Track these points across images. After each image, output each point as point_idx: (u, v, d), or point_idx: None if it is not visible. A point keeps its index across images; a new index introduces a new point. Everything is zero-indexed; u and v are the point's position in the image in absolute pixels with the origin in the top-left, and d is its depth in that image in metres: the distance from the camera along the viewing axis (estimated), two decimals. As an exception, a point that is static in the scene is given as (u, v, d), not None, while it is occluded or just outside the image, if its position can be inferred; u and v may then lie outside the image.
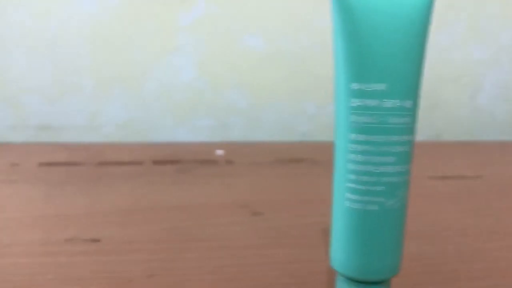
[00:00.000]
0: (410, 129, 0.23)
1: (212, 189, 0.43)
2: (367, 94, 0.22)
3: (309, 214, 0.39)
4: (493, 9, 0.61)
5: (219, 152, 0.55)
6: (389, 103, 0.22)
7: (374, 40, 0.22)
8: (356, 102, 0.22)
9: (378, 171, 0.22)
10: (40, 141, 0.57)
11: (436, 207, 0.41)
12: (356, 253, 0.23)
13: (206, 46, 0.57)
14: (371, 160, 0.22)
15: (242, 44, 0.57)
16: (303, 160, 0.53)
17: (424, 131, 0.59)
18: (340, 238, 0.24)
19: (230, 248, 0.33)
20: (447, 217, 0.39)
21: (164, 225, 0.36)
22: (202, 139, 0.60)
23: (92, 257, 0.31)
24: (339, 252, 0.24)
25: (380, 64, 0.22)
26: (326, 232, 0.33)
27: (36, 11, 0.54)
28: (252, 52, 0.58)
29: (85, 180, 0.44)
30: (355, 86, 0.22)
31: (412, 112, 0.23)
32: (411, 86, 0.23)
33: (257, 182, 0.46)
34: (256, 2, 0.56)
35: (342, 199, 0.23)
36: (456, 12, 0.60)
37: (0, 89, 0.56)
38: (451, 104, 0.64)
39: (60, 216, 0.37)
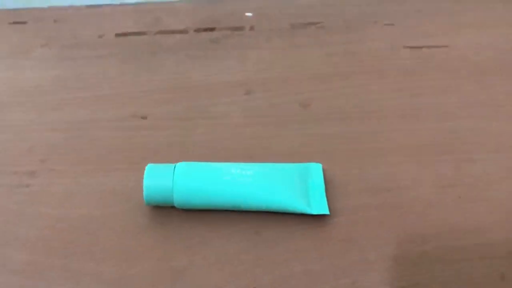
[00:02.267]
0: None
1: (228, 65, 0.60)
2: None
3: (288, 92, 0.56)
4: None
5: (249, 14, 0.70)
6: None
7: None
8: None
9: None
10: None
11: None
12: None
13: None
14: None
15: None
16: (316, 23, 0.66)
17: None
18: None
19: (225, 125, 0.53)
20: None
21: (187, 103, 0.56)
22: None
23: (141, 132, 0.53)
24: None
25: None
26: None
27: None
28: None
29: (147, 53, 0.63)
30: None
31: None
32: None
33: (264, 57, 0.61)
34: None
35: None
36: None
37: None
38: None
39: (127, 93, 0.58)
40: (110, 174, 0.48)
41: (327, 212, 0.42)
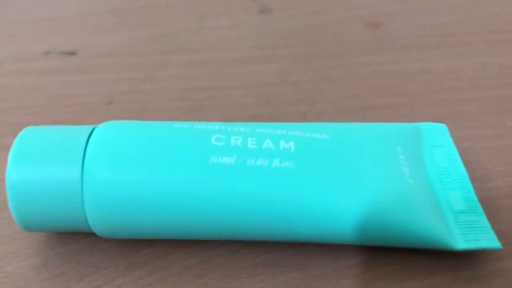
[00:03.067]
0: None
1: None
2: None
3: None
4: None
5: None
6: None
7: None
8: None
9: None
10: None
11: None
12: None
13: None
14: None
15: None
16: None
17: None
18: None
19: (215, 61, 0.27)
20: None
21: (153, 29, 0.30)
22: None
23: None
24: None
25: None
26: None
27: None
28: None
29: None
30: None
31: None
32: None
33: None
34: None
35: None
36: None
37: None
38: None
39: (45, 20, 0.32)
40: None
41: (498, 245, 0.15)
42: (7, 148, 0.22)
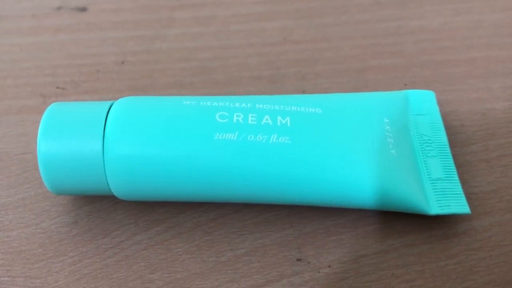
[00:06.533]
0: None
1: None
2: None
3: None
4: None
5: None
6: None
7: None
8: None
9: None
10: None
11: None
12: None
13: None
14: None
15: None
16: None
17: None
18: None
19: (220, 18, 0.27)
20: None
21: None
22: None
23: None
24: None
25: None
26: None
27: None
28: None
29: None
30: None
31: None
32: None
33: None
34: None
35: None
36: None
37: None
38: None
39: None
40: (4, 120, 0.23)
41: (467, 211, 0.17)
42: (30, 110, 0.24)
